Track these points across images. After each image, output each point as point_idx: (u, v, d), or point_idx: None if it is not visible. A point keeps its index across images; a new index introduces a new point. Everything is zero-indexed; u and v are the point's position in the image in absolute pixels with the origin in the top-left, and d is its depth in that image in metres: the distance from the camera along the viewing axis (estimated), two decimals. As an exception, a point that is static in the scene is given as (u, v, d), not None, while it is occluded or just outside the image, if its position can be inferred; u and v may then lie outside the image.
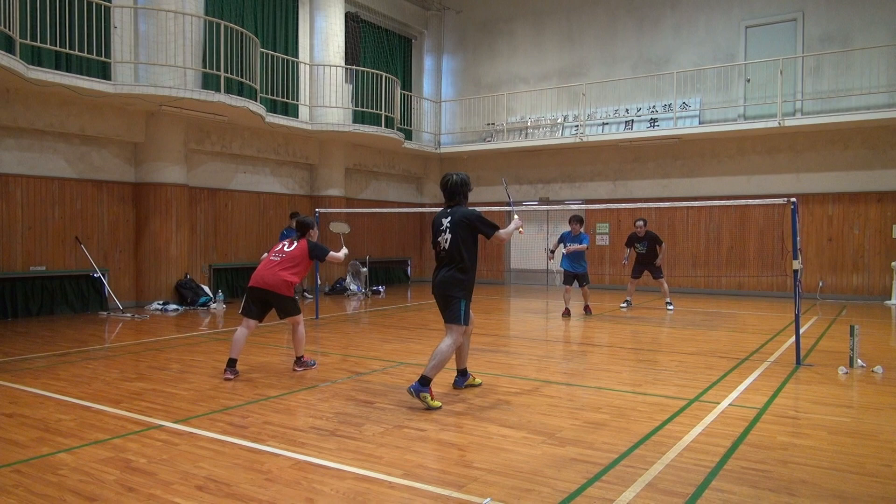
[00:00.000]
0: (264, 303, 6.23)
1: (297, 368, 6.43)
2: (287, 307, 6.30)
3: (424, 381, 4.97)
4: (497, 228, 5.22)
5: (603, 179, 16.36)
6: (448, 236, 5.18)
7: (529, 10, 17.47)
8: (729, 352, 7.56)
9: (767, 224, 14.10)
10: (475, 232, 5.21)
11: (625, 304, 11.96)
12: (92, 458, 3.86)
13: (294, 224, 13.56)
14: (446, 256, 5.20)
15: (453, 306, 5.15)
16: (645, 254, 11.63)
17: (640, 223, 11.65)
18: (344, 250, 6.87)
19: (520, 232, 5.45)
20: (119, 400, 5.25)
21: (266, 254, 6.61)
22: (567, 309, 10.89)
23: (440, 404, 5.00)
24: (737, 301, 12.52)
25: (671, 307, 11.64)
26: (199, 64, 11.76)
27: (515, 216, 5.70)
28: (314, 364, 6.59)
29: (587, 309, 11.11)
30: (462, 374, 5.71)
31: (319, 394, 5.50)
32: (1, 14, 8.61)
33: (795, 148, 14.05)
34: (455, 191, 5.34)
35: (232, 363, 6.09)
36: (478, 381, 5.77)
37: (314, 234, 6.65)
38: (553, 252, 11.18)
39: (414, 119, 18.09)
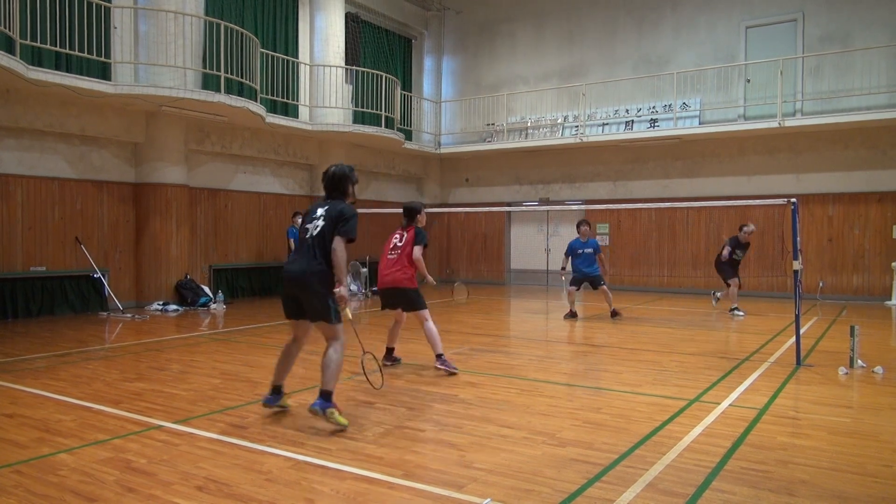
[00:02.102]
0: (395, 299, 6.43)
1: (440, 366, 6.23)
2: (412, 300, 6.33)
3: (326, 396, 4.41)
4: (350, 240, 4.54)
5: (603, 180, 16.36)
6: (320, 224, 4.57)
7: (529, 11, 17.47)
8: (729, 352, 7.56)
9: (768, 224, 14.09)
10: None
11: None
12: (92, 459, 3.86)
13: (297, 223, 13.73)
14: (312, 245, 4.54)
15: (321, 302, 4.47)
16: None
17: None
18: (431, 279, 6.81)
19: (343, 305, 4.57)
20: (119, 400, 5.25)
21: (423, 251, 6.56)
22: (572, 311, 10.75)
23: (347, 422, 4.43)
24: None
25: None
26: (199, 64, 11.76)
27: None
28: (456, 370, 6.20)
29: (615, 313, 10.55)
30: (277, 391, 4.81)
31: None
32: (1, 14, 8.62)
33: (795, 148, 14.05)
34: (334, 184, 4.79)
35: (389, 352, 6.56)
36: (289, 402, 4.98)
37: (422, 218, 6.62)
38: (564, 269, 10.91)
39: (414, 119, 18.09)
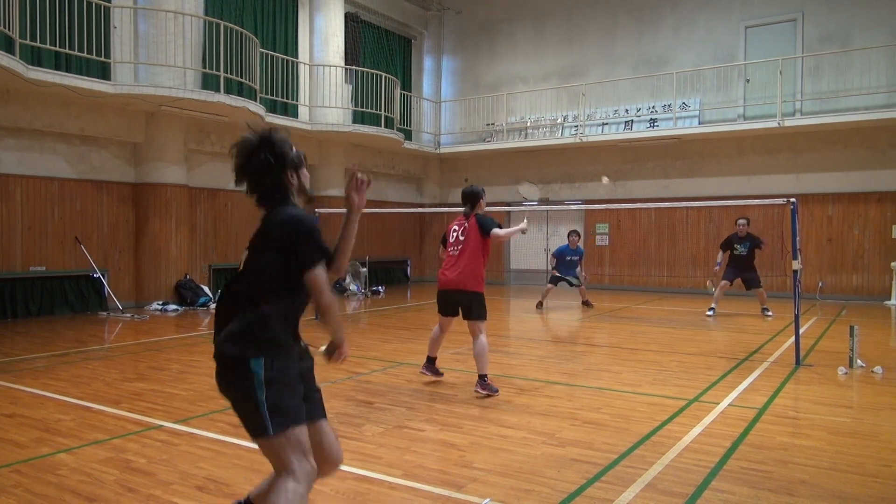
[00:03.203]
0: (455, 304, 5.59)
1: (480, 391, 5.35)
2: (474, 306, 5.45)
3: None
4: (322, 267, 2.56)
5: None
6: (244, 254, 2.56)
7: (529, 11, 17.47)
8: (729, 352, 7.56)
9: (767, 224, 14.09)
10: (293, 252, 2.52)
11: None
12: (91, 459, 3.86)
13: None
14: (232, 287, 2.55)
15: (241, 402, 2.44)
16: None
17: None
18: (524, 223, 5.71)
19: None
20: (119, 400, 5.24)
21: (443, 251, 5.78)
22: (541, 301, 11.91)
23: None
24: (736, 301, 12.51)
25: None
26: (199, 64, 11.76)
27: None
28: (496, 391, 5.40)
29: (587, 303, 12.07)
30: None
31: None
32: (1, 14, 8.62)
33: (795, 148, 14.05)
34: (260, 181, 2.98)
35: (430, 361, 5.88)
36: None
37: (483, 204, 5.65)
38: (556, 270, 12.02)
39: (414, 119, 18.09)
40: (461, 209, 5.75)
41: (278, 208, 2.51)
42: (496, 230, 5.44)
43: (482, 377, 5.40)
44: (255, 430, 2.40)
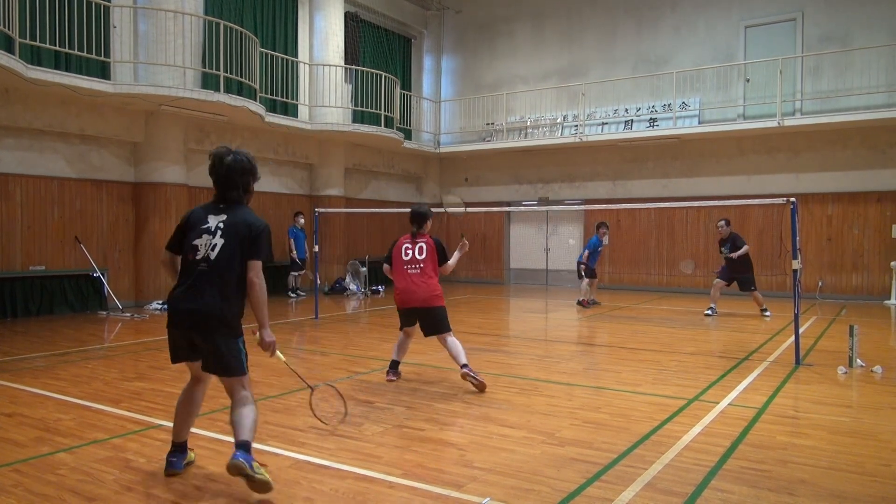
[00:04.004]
0: (419, 319, 5.81)
1: (469, 373, 5.52)
2: (439, 321, 5.72)
3: (247, 448, 3.32)
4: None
5: (602, 179, 16.36)
6: (218, 241, 3.44)
7: (529, 10, 17.47)
8: (728, 352, 7.56)
9: (767, 224, 14.10)
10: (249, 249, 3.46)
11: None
12: (91, 458, 3.86)
13: (299, 222, 13.81)
14: (209, 270, 3.42)
15: (231, 350, 3.44)
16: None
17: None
18: (465, 245, 5.90)
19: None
20: (119, 399, 5.25)
21: (389, 265, 5.93)
22: (594, 299, 12.46)
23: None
24: (736, 301, 12.51)
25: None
26: (199, 64, 11.75)
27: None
28: (483, 381, 5.56)
29: (593, 301, 12.38)
30: (181, 449, 3.67)
31: (319, 393, 5.49)
32: (1, 14, 8.61)
33: (795, 148, 14.05)
34: (233, 179, 3.56)
35: (394, 365, 5.97)
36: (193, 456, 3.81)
37: (429, 225, 5.94)
38: (586, 264, 12.23)
39: (413, 119, 18.09)
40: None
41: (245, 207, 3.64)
42: (449, 262, 5.85)
43: (464, 366, 5.57)
44: (238, 370, 3.46)
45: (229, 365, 3.42)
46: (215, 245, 3.44)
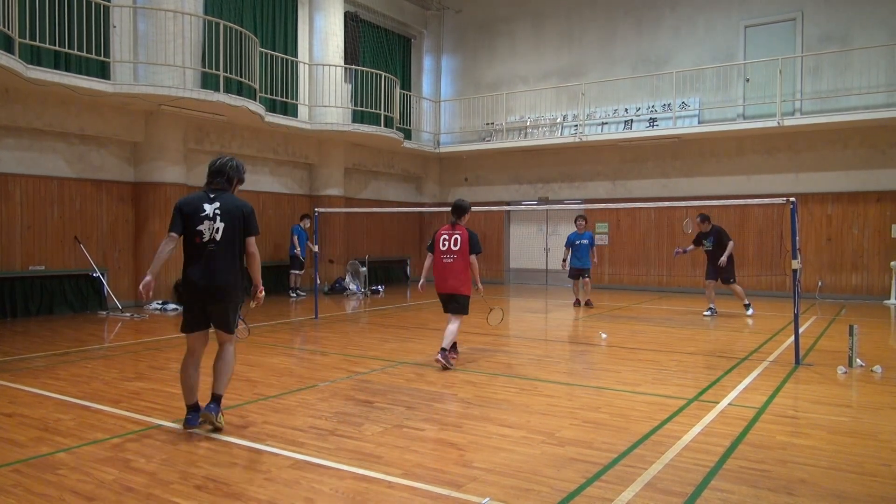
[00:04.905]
0: (451, 304, 6.64)
1: (440, 358, 6.34)
2: (463, 305, 6.61)
3: (218, 401, 4.44)
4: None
5: (602, 179, 16.36)
6: (220, 225, 4.42)
7: (529, 10, 17.46)
8: (728, 351, 7.56)
9: (767, 224, 14.10)
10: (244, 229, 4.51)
11: None
12: (91, 458, 3.86)
13: (304, 223, 13.84)
14: (217, 249, 4.40)
15: (232, 315, 4.52)
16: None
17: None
18: (481, 288, 6.74)
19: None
20: (118, 399, 5.24)
21: (431, 251, 6.70)
22: (577, 300, 12.25)
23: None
24: (736, 301, 12.51)
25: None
26: (199, 63, 11.75)
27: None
28: (451, 366, 6.42)
29: (588, 303, 12.20)
30: (196, 408, 4.47)
31: (318, 393, 5.50)
32: (1, 13, 8.60)
33: (795, 147, 14.05)
34: (223, 171, 4.66)
35: (444, 350, 6.45)
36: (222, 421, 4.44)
37: (466, 218, 6.68)
38: (565, 261, 12.34)
39: (413, 119, 18.09)
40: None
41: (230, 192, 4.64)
42: (473, 263, 6.56)
43: (443, 350, 6.37)
44: (232, 328, 4.51)
45: (230, 324, 4.48)
46: (218, 228, 4.38)
